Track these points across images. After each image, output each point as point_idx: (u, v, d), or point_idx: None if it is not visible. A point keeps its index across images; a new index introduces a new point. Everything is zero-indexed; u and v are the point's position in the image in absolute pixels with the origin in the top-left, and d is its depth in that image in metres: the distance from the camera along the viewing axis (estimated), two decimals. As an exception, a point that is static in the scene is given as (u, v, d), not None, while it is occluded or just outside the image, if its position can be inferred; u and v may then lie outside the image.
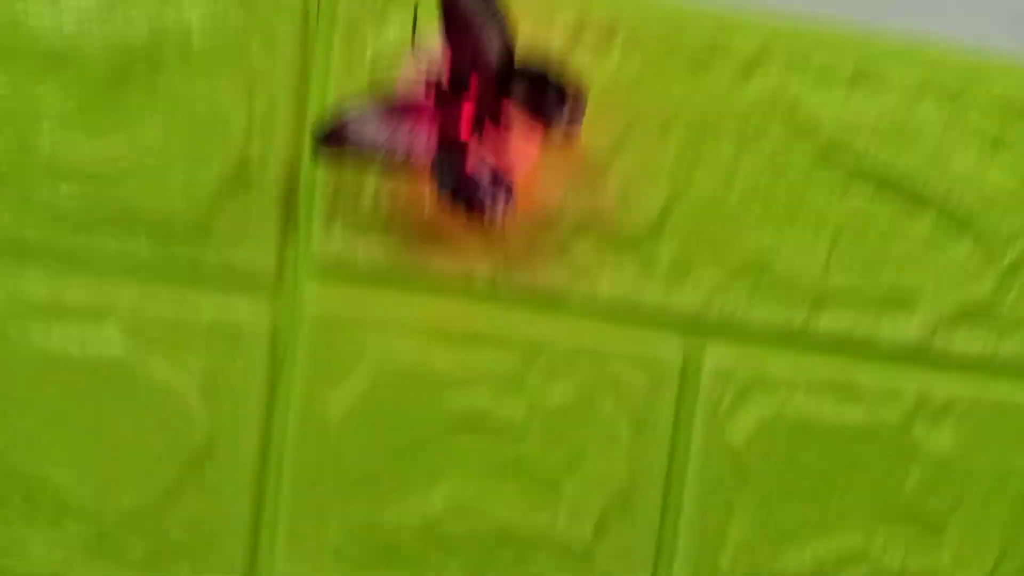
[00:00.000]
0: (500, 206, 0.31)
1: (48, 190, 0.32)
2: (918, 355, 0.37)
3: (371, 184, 0.33)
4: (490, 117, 0.30)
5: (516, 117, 0.31)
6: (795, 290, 0.36)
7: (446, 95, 0.30)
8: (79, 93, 0.32)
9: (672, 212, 0.35)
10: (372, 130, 0.30)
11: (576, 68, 0.34)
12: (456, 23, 0.29)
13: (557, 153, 0.34)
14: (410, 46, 0.30)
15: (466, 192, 0.30)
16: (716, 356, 0.36)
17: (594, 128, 0.34)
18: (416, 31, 0.30)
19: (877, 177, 0.36)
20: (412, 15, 0.30)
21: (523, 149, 0.32)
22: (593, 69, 0.34)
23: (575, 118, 0.30)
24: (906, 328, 0.37)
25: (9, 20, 0.32)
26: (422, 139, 0.30)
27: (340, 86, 0.33)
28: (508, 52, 0.30)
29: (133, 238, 0.33)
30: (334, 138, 0.30)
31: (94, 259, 0.33)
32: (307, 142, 0.32)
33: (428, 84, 0.30)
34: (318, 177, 0.33)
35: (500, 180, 0.31)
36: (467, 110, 0.30)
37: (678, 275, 0.35)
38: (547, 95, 0.30)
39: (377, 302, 0.34)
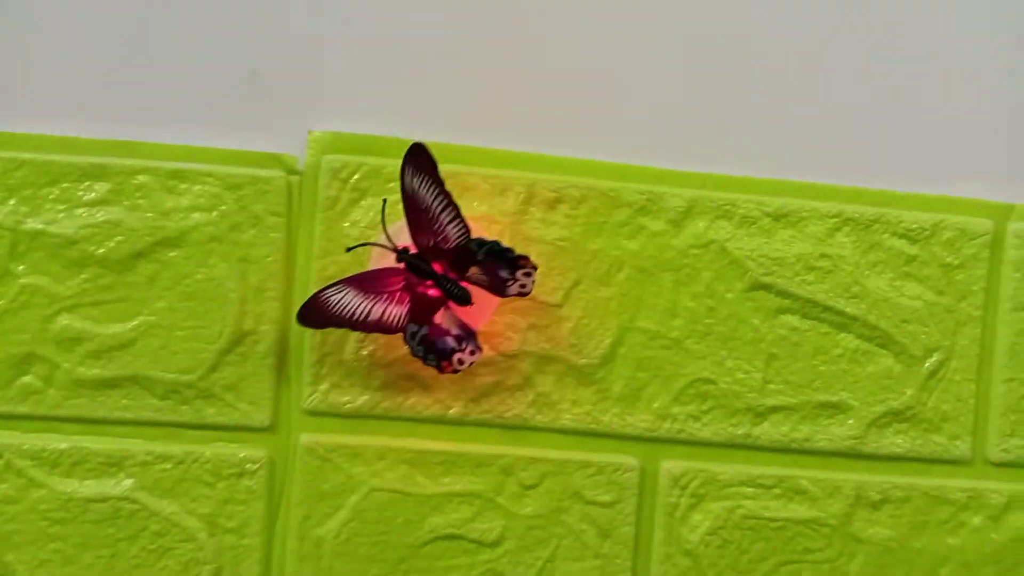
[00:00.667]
0: (467, 358, 0.36)
1: (69, 362, 0.38)
2: (853, 455, 0.40)
3: (352, 343, 0.38)
4: (453, 287, 0.36)
5: (476, 285, 0.36)
6: (737, 406, 0.40)
7: (414, 270, 0.35)
8: (94, 279, 0.38)
9: (621, 345, 0.40)
10: (349, 302, 0.35)
11: (528, 232, 0.39)
12: (416, 211, 0.35)
13: (516, 304, 0.39)
14: (381, 230, 0.36)
15: (436, 351, 0.36)
16: (670, 466, 0.40)
17: (548, 278, 0.39)
18: (385, 218, 0.36)
19: (803, 303, 0.41)
20: (381, 204, 0.36)
21: (484, 307, 0.37)
22: (543, 228, 0.39)
23: (526, 284, 0.36)
24: (840, 432, 0.41)
25: (34, 230, 0.38)
26: (394, 308, 0.35)
27: (321, 262, 0.38)
28: (463, 233, 0.35)
29: (144, 399, 0.38)
30: (316, 310, 0.35)
31: (110, 418, 0.38)
32: (294, 311, 0.37)
33: (397, 261, 0.35)
34: (305, 340, 0.38)
35: (465, 337, 0.36)
36: (433, 282, 0.36)
37: (631, 399, 0.40)
38: (500, 269, 0.35)
39: (362, 437, 0.39)
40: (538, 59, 0.40)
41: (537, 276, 0.36)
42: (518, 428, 0.40)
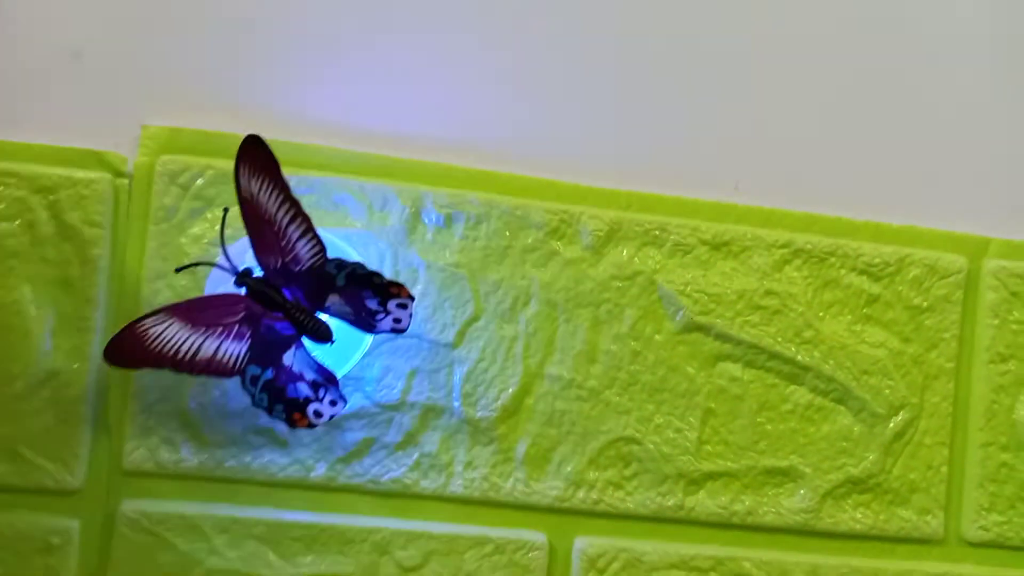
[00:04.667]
0: (327, 410, 0.29)
1: None
2: (805, 531, 0.35)
3: (192, 386, 0.31)
4: (307, 319, 0.29)
5: (338, 318, 0.29)
6: (667, 471, 0.34)
7: (257, 298, 0.28)
8: None
9: (527, 395, 0.33)
10: (173, 336, 0.28)
11: (415, 255, 0.32)
12: (258, 223, 0.28)
13: (399, 343, 0.32)
14: (220, 248, 0.29)
15: (284, 400, 0.28)
16: (585, 544, 0.33)
17: (439, 312, 0.33)
18: (225, 232, 0.29)
19: (745, 349, 0.34)
20: (222, 215, 0.29)
21: (352, 346, 0.30)
22: (434, 251, 0.33)
23: (401, 319, 0.29)
24: (790, 504, 0.35)
25: None
26: (231, 344, 0.28)
27: (152, 286, 0.31)
28: (316, 252, 0.28)
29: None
30: (129, 346, 0.28)
31: None
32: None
33: (236, 285, 0.29)
34: (131, 382, 0.31)
35: (324, 383, 0.29)
36: (282, 313, 0.29)
37: (538, 461, 0.33)
38: (366, 299, 0.28)
39: (199, 505, 0.32)
40: (424, 46, 0.34)
41: (428, 309, 0.30)
42: (397, 496, 0.33)
